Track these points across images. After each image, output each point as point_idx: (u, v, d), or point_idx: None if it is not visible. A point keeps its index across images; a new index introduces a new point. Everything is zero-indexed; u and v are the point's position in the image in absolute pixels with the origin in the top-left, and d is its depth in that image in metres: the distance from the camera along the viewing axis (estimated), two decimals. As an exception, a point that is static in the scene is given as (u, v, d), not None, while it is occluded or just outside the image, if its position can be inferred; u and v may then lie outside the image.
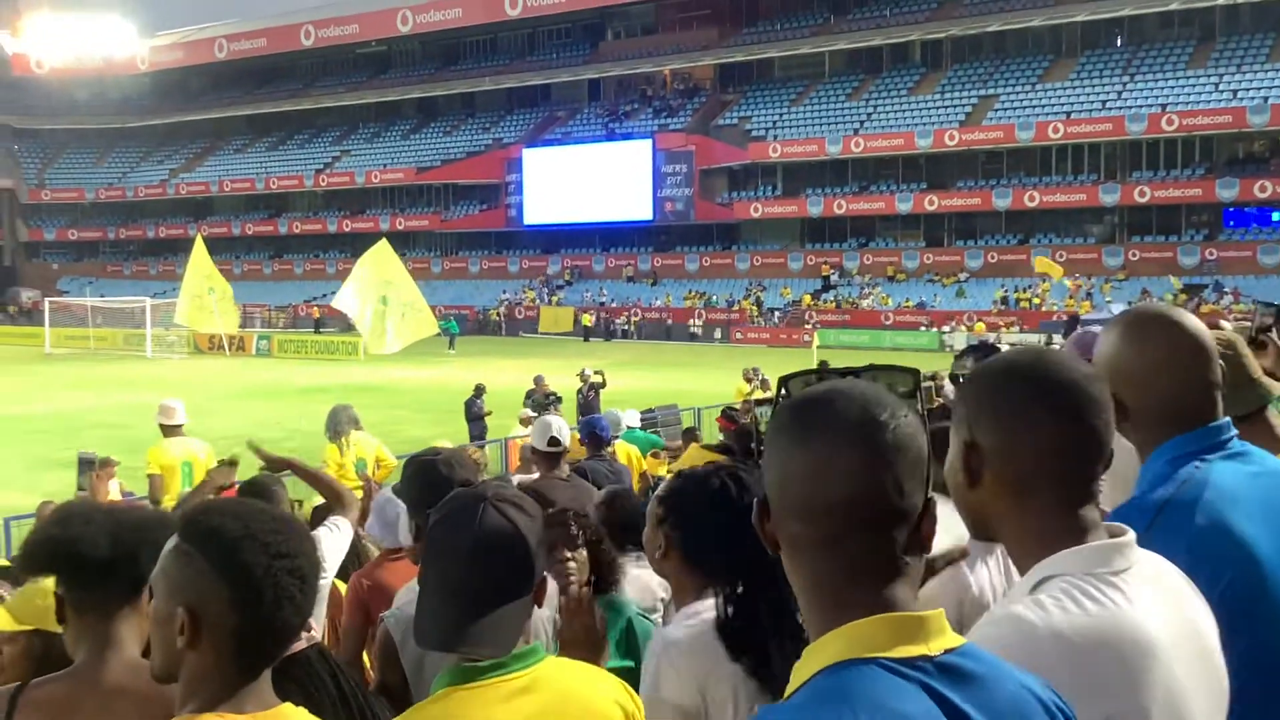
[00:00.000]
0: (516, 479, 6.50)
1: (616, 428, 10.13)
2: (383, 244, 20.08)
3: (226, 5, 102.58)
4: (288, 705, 1.67)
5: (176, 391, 18.08)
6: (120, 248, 74.77)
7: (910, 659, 1.19)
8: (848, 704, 1.14)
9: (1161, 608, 1.46)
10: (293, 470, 4.37)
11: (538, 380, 20.63)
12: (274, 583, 1.60)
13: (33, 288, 68.38)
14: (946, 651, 1.21)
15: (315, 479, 4.39)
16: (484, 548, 1.82)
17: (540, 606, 1.94)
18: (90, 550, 2.02)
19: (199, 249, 24.92)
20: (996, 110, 49.37)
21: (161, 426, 9.01)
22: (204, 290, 25.25)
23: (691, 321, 50.40)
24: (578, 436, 8.40)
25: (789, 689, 1.23)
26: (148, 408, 9.13)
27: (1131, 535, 1.51)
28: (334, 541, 4.38)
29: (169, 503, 8.48)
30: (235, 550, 1.60)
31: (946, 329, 43.48)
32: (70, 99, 76.70)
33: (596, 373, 20.45)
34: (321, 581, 4.21)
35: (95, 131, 77.44)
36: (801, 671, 1.23)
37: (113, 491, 12.93)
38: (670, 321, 51.04)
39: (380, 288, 19.05)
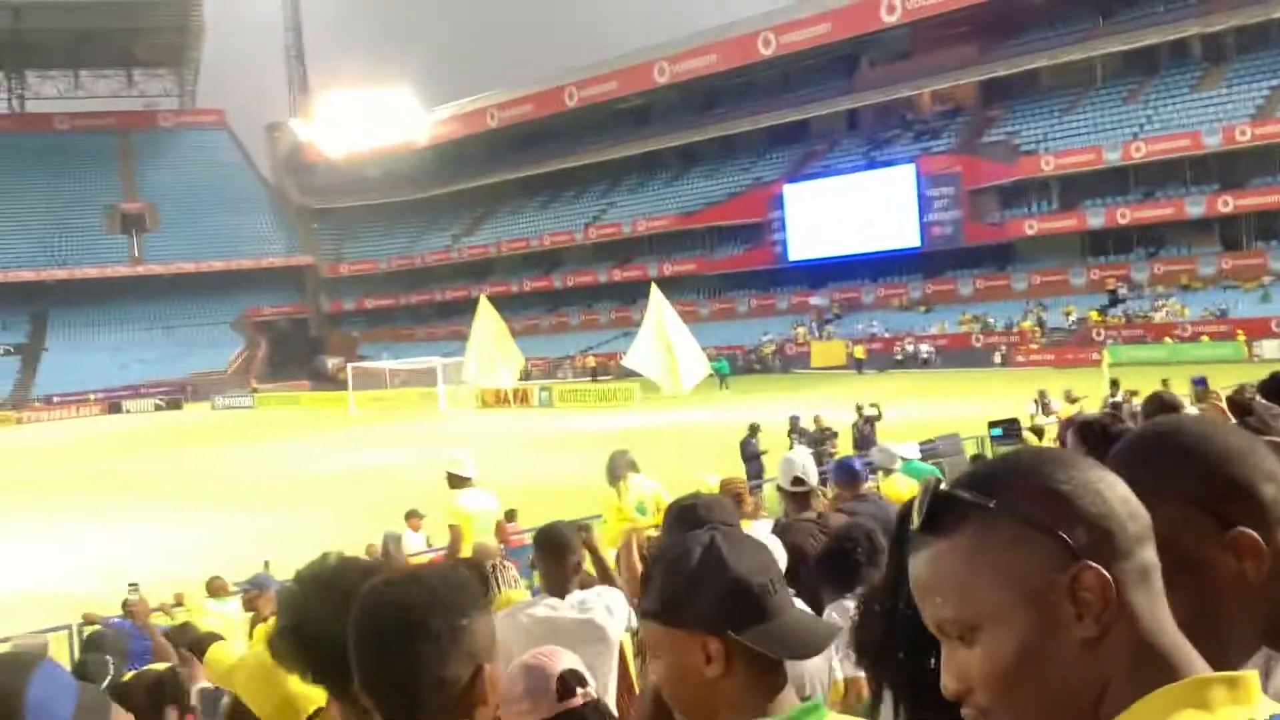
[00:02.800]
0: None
1: (890, 462, 9.77)
2: (654, 290, 20.45)
3: (493, 74, 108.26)
4: None
5: (466, 443, 18.94)
6: (411, 312, 79.57)
7: None
8: None
9: None
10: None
11: (793, 419, 20.47)
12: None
13: (337, 355, 73.71)
14: (1272, 717, 1.02)
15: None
16: (757, 561, 1.78)
17: None
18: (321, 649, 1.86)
19: (485, 307, 25.99)
20: (1293, 98, 45.64)
21: (451, 476, 9.32)
22: (492, 346, 26.33)
23: (920, 346, 48.77)
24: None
25: None
26: (442, 462, 9.50)
27: None
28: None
29: (467, 552, 8.77)
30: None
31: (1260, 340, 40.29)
32: (359, 178, 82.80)
33: (872, 405, 20.10)
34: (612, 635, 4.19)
35: (384, 206, 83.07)
36: None
37: (417, 543, 13.64)
38: (948, 348, 49.61)
39: (662, 329, 19.44)
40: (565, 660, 2.51)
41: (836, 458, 9.68)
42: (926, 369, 47.57)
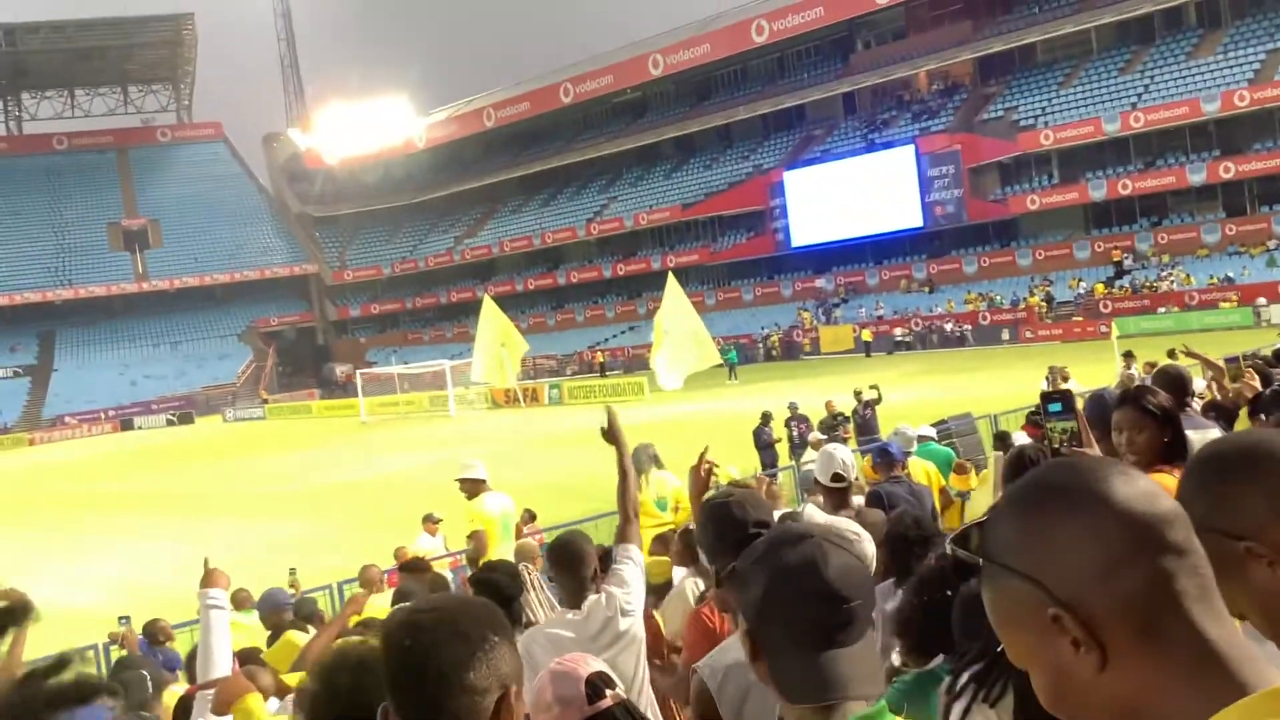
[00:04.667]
0: (808, 509, 5.99)
1: (908, 444, 9.77)
2: (670, 281, 20.29)
3: (488, 74, 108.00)
4: None
5: (479, 445, 18.95)
6: (417, 316, 79.70)
7: None
8: None
9: None
10: (619, 458, 4.41)
11: (792, 406, 20.45)
12: None
13: (345, 362, 73.83)
14: None
15: (625, 479, 4.39)
16: (840, 585, 1.69)
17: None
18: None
19: (488, 306, 26.05)
20: (1291, 61, 45.41)
21: (466, 482, 9.32)
22: (497, 346, 26.35)
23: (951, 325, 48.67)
24: (870, 460, 8.17)
25: None
26: (453, 469, 9.52)
27: None
28: (637, 575, 4.24)
29: (491, 557, 8.78)
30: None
31: (1261, 302, 40.15)
32: (359, 184, 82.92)
33: (872, 388, 20.03)
34: (633, 622, 4.18)
35: (385, 211, 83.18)
36: None
37: (434, 547, 13.67)
38: (953, 327, 49.47)
39: (662, 322, 19.34)
40: (592, 664, 2.53)
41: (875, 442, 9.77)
42: (961, 347, 47.21)
